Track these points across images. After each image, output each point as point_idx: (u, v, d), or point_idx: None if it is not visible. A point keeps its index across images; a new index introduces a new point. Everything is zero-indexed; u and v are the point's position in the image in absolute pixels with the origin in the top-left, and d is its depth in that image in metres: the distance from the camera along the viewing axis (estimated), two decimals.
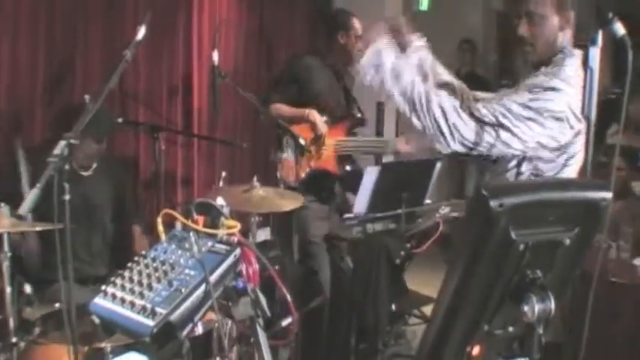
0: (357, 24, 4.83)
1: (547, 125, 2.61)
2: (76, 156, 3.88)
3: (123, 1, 4.92)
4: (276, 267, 4.58)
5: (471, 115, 2.62)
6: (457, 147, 2.63)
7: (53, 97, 4.50)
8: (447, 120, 2.61)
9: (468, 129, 2.61)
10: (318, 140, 4.55)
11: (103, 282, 3.64)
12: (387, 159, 5.88)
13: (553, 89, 2.62)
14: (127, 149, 5.04)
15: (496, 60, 9.18)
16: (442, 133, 2.62)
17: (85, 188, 4.05)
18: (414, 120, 2.67)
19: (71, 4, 4.59)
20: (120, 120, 4.56)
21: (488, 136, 2.61)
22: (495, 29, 9.12)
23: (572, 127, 2.62)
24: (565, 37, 2.76)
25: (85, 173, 4.12)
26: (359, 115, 4.91)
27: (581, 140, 2.63)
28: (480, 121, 2.61)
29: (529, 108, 2.60)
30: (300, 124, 4.54)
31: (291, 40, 6.39)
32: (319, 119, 4.56)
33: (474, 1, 9.02)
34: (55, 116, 4.46)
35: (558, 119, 2.61)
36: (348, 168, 4.82)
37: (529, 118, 2.60)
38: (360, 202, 5.19)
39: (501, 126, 2.60)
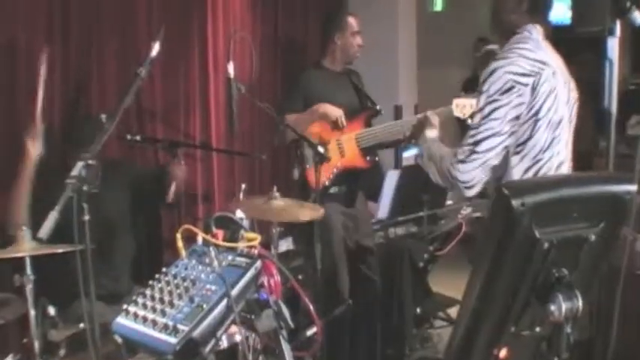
0: (351, 20, 4.84)
1: (503, 101, 2.77)
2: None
3: (136, 16, 4.92)
4: (300, 276, 4.57)
5: (460, 161, 2.86)
6: (472, 192, 2.91)
7: (69, 116, 4.50)
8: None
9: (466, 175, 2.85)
10: (336, 127, 4.53)
11: (121, 298, 3.68)
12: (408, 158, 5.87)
13: (490, 74, 2.80)
14: (146, 166, 5.04)
15: None
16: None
17: (96, 203, 4.04)
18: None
19: (85, 22, 4.59)
20: (138, 137, 4.54)
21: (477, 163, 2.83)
22: None
23: (525, 85, 2.78)
24: (518, 19, 2.98)
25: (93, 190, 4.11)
26: (374, 107, 4.87)
27: (550, 99, 2.83)
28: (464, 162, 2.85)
29: (484, 105, 2.80)
30: (313, 123, 4.54)
31: (305, 49, 6.38)
32: (329, 106, 4.55)
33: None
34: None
35: (508, 90, 2.76)
36: (376, 159, 4.79)
37: (489, 112, 2.78)
38: (383, 207, 5.19)
39: (475, 147, 2.82)
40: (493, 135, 2.79)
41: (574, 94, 3.01)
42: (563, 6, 9.55)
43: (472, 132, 2.82)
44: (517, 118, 2.79)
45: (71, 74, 4.53)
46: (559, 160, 2.92)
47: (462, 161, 2.83)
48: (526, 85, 2.78)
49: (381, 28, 6.54)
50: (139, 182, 4.28)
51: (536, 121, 2.81)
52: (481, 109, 2.80)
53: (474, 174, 2.82)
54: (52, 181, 3.85)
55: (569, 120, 2.99)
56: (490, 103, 2.78)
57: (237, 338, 2.79)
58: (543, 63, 2.85)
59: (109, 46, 4.75)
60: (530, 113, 2.80)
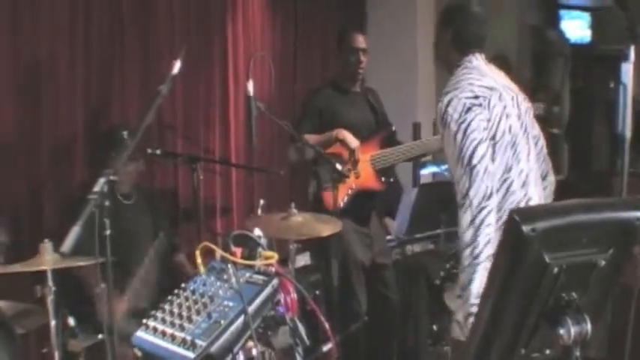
0: (352, 37, 4.79)
1: (470, 117, 2.92)
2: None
3: (159, 33, 4.99)
4: (317, 292, 4.60)
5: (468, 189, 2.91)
6: (493, 201, 2.92)
7: (92, 134, 4.57)
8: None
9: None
10: (352, 156, 4.56)
11: (141, 311, 3.74)
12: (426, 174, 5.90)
13: (448, 104, 2.97)
14: (166, 180, 5.10)
15: (531, 76, 9.14)
16: None
17: (126, 217, 4.11)
18: None
19: (108, 38, 4.67)
20: (158, 152, 4.60)
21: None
22: (529, 44, 9.09)
23: (480, 105, 2.95)
24: (450, 53, 3.21)
25: (127, 202, 4.19)
26: (389, 127, 4.87)
27: (502, 121, 3.00)
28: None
29: (456, 128, 2.93)
30: (330, 146, 4.56)
31: (325, 67, 6.43)
32: (348, 134, 4.52)
33: (508, 17, 9.00)
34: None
35: (469, 109, 2.93)
36: (391, 180, 4.81)
37: (465, 129, 2.91)
38: (400, 224, 5.22)
39: (470, 164, 2.89)
40: (478, 144, 2.89)
41: (525, 104, 3.17)
42: (583, 24, 9.59)
43: (459, 156, 2.92)
44: (485, 129, 2.93)
45: (93, 89, 4.60)
46: (525, 174, 3.04)
47: (469, 187, 2.88)
48: (480, 105, 2.94)
49: (401, 45, 6.59)
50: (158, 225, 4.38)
51: (494, 144, 2.94)
52: (455, 134, 2.92)
53: (484, 186, 2.86)
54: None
55: (525, 131, 3.11)
56: (461, 123, 2.91)
57: (254, 353, 2.83)
58: (489, 88, 3.01)
59: (131, 62, 4.83)
60: (488, 137, 2.94)
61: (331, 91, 4.79)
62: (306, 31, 6.38)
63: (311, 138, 4.50)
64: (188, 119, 5.23)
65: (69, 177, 4.44)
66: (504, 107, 3.02)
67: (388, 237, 5.16)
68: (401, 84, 6.49)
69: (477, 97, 2.96)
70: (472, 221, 2.82)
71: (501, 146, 2.96)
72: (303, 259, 4.92)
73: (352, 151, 4.50)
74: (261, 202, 4.27)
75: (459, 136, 2.91)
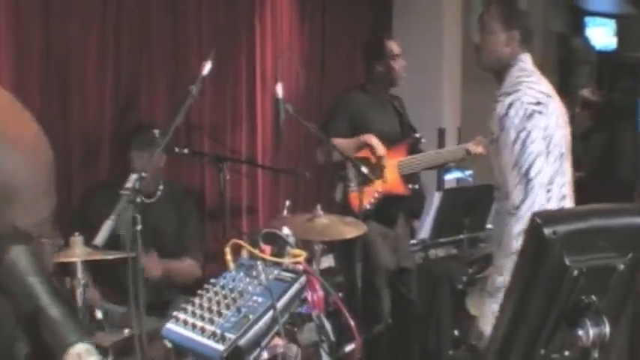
0: (390, 45, 4.85)
1: (530, 126, 2.89)
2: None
3: (187, 33, 5.07)
4: (340, 294, 4.65)
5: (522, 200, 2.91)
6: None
7: (120, 132, 4.65)
8: None
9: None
10: (379, 161, 4.60)
11: (165, 306, 3.80)
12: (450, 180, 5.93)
13: (509, 107, 2.93)
14: (192, 180, 5.17)
15: (556, 82, 9.13)
16: None
17: (150, 216, 4.17)
18: None
19: (136, 38, 4.74)
20: (186, 151, 4.66)
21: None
22: (555, 51, 9.09)
23: (540, 112, 2.93)
24: (512, 52, 3.14)
25: (149, 200, 4.23)
26: (415, 135, 4.93)
27: (557, 131, 2.99)
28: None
29: (516, 136, 2.90)
30: (359, 151, 4.60)
31: (351, 69, 6.48)
32: (376, 141, 4.57)
33: (540, 25, 9.01)
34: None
35: (530, 116, 2.90)
36: (416, 186, 4.86)
37: (525, 139, 2.89)
38: (424, 228, 5.25)
39: (527, 176, 2.89)
40: (537, 157, 2.88)
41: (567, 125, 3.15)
42: (608, 31, 9.56)
43: (515, 165, 2.89)
44: (543, 138, 2.91)
45: (122, 87, 4.69)
46: (563, 192, 3.02)
47: (524, 200, 2.87)
48: (540, 112, 2.92)
49: (427, 51, 6.61)
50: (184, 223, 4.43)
51: (548, 153, 2.93)
52: (514, 141, 2.89)
53: (538, 199, 2.87)
54: (103, 190, 4.03)
55: (567, 143, 3.11)
56: (521, 131, 2.89)
57: (278, 350, 2.89)
58: (547, 95, 3.01)
59: (159, 62, 4.90)
60: (545, 148, 2.92)
61: (361, 97, 4.83)
62: (334, 34, 6.43)
63: (339, 141, 4.55)
64: (215, 119, 5.30)
65: (95, 172, 4.53)
66: (557, 116, 3.01)
67: (412, 241, 5.20)
68: (427, 90, 6.52)
69: (538, 102, 2.94)
70: (523, 232, 2.80)
71: (551, 157, 2.95)
72: (327, 261, 4.97)
73: (379, 158, 4.55)
74: (287, 203, 4.32)
75: (518, 145, 2.89)
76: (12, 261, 0.96)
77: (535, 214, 1.53)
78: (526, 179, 2.86)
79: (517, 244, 2.81)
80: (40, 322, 0.92)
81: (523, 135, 2.88)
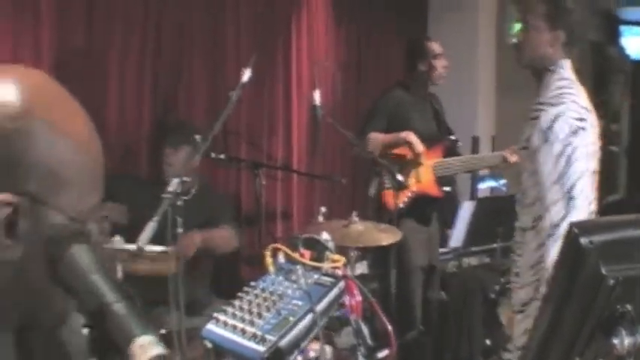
0: (431, 45, 4.95)
1: (576, 142, 2.81)
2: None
3: (225, 40, 5.14)
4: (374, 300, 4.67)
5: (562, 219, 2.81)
6: None
7: (159, 135, 4.72)
8: None
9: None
10: (416, 159, 4.65)
11: (201, 307, 3.85)
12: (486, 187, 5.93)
13: (554, 120, 2.84)
14: (229, 185, 5.23)
15: (591, 92, 9.05)
16: None
17: (184, 213, 4.20)
18: None
19: (176, 44, 4.83)
20: (222, 156, 4.71)
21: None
22: (589, 60, 9.02)
23: (584, 129, 2.86)
24: (555, 53, 3.03)
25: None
26: (452, 137, 4.97)
27: (594, 146, 2.93)
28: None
29: (561, 151, 2.81)
30: (397, 147, 4.65)
31: (388, 73, 6.51)
32: (415, 138, 4.64)
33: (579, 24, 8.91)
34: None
35: (575, 132, 2.82)
36: (447, 189, 4.89)
37: (570, 155, 2.81)
38: (457, 236, 5.27)
39: (570, 194, 2.80)
40: (581, 175, 2.81)
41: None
42: None
43: (558, 181, 2.82)
44: (586, 156, 2.85)
45: (160, 94, 4.77)
46: (593, 205, 2.92)
47: (564, 218, 2.79)
48: (584, 129, 2.85)
49: (461, 58, 6.61)
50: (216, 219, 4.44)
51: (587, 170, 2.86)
52: (558, 156, 2.82)
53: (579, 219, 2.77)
54: (142, 190, 4.09)
55: (598, 165, 3.01)
56: (567, 146, 2.81)
57: (311, 355, 2.94)
58: (587, 109, 2.93)
59: (197, 64, 4.98)
60: (588, 166, 2.86)
61: (402, 94, 4.92)
62: (369, 40, 6.47)
63: (379, 137, 4.61)
64: (252, 125, 5.36)
65: (134, 171, 4.64)
66: (594, 132, 2.94)
67: (444, 249, 5.23)
68: (461, 98, 6.52)
69: (581, 119, 2.86)
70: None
71: (589, 174, 2.88)
72: (361, 268, 5.00)
73: (417, 155, 4.60)
74: (323, 209, 4.36)
75: (562, 160, 2.81)
76: (74, 260, 1.01)
77: (572, 224, 1.55)
78: (569, 197, 2.79)
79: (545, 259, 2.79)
80: (105, 318, 0.96)
81: (569, 150, 2.81)
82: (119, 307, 0.97)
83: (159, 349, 0.93)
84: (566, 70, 3.02)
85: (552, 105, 2.89)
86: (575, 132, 2.82)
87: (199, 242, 4.01)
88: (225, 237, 4.31)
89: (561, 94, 2.93)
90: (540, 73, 3.07)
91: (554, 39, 3.03)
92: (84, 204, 1.07)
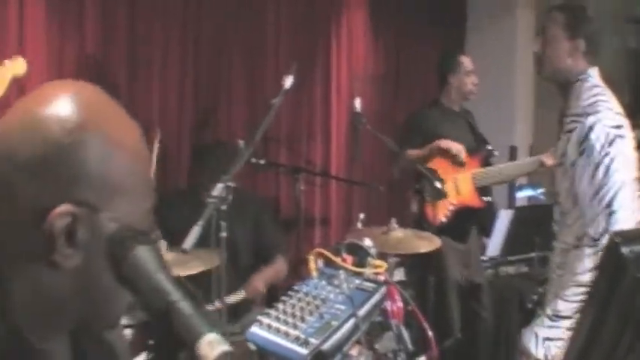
0: (463, 60, 4.93)
1: (614, 152, 2.74)
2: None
3: (265, 48, 5.20)
4: (409, 307, 4.68)
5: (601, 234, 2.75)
6: None
7: (199, 141, 4.80)
8: None
9: None
10: (456, 163, 4.62)
11: (242, 312, 3.89)
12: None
13: (590, 129, 2.77)
14: (268, 190, 5.28)
15: (630, 101, 8.97)
16: None
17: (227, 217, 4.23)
18: None
19: (216, 52, 4.90)
20: (262, 162, 4.74)
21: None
22: (628, 69, 8.91)
23: (621, 137, 2.78)
24: (575, 63, 2.96)
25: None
26: (488, 147, 4.95)
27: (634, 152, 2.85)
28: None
29: (599, 161, 2.75)
30: (432, 159, 4.65)
31: (426, 85, 6.50)
32: (449, 141, 4.59)
33: (607, 39, 8.85)
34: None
35: (612, 142, 2.75)
36: (489, 199, 4.88)
37: (608, 165, 2.74)
38: (494, 245, 5.27)
39: (610, 208, 2.73)
40: (622, 186, 2.73)
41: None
42: None
43: (597, 193, 2.75)
44: (626, 165, 2.78)
45: (201, 100, 4.84)
46: (636, 218, 2.80)
47: (603, 232, 2.72)
48: (622, 136, 2.77)
49: (499, 68, 6.60)
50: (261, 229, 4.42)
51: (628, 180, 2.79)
52: (597, 167, 2.74)
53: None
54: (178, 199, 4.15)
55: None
56: (605, 156, 2.73)
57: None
58: (622, 116, 2.85)
59: (238, 75, 5.04)
60: (630, 176, 2.78)
61: (435, 112, 4.90)
62: (407, 51, 6.47)
63: (412, 153, 4.61)
64: (291, 131, 5.41)
65: (175, 180, 4.69)
66: (631, 139, 2.85)
67: (482, 257, 5.22)
68: (499, 107, 6.50)
69: (618, 126, 2.77)
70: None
71: (630, 183, 2.78)
72: (398, 275, 5.01)
73: (455, 156, 4.57)
74: (361, 216, 4.38)
75: (601, 171, 2.74)
76: (138, 259, 1.06)
77: (614, 233, 1.57)
78: (609, 210, 2.71)
79: (589, 277, 2.68)
80: (172, 317, 1.01)
81: (607, 161, 2.73)
82: (184, 305, 1.01)
83: (226, 347, 0.97)
84: (595, 77, 2.95)
85: (587, 114, 2.81)
86: (612, 141, 2.75)
87: (263, 287, 4.02)
88: (281, 271, 4.34)
89: (595, 102, 2.84)
90: (565, 85, 3.02)
91: (573, 48, 2.98)
92: (138, 210, 1.13)
